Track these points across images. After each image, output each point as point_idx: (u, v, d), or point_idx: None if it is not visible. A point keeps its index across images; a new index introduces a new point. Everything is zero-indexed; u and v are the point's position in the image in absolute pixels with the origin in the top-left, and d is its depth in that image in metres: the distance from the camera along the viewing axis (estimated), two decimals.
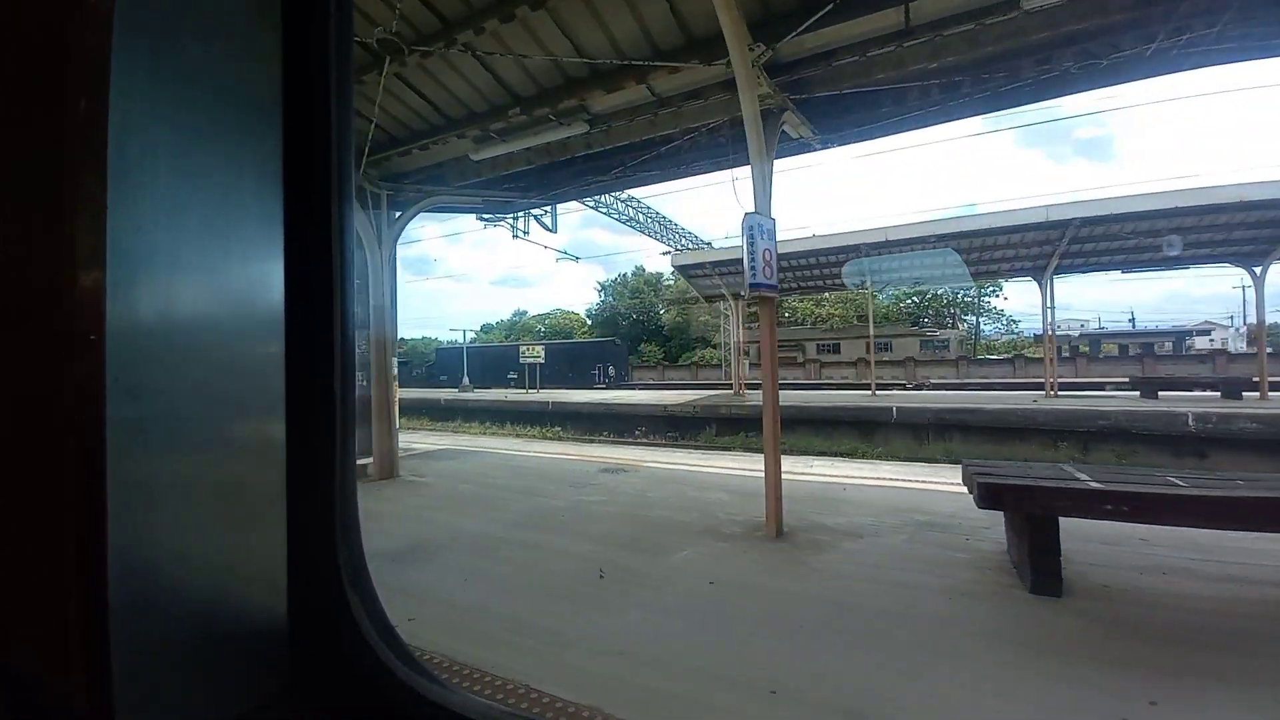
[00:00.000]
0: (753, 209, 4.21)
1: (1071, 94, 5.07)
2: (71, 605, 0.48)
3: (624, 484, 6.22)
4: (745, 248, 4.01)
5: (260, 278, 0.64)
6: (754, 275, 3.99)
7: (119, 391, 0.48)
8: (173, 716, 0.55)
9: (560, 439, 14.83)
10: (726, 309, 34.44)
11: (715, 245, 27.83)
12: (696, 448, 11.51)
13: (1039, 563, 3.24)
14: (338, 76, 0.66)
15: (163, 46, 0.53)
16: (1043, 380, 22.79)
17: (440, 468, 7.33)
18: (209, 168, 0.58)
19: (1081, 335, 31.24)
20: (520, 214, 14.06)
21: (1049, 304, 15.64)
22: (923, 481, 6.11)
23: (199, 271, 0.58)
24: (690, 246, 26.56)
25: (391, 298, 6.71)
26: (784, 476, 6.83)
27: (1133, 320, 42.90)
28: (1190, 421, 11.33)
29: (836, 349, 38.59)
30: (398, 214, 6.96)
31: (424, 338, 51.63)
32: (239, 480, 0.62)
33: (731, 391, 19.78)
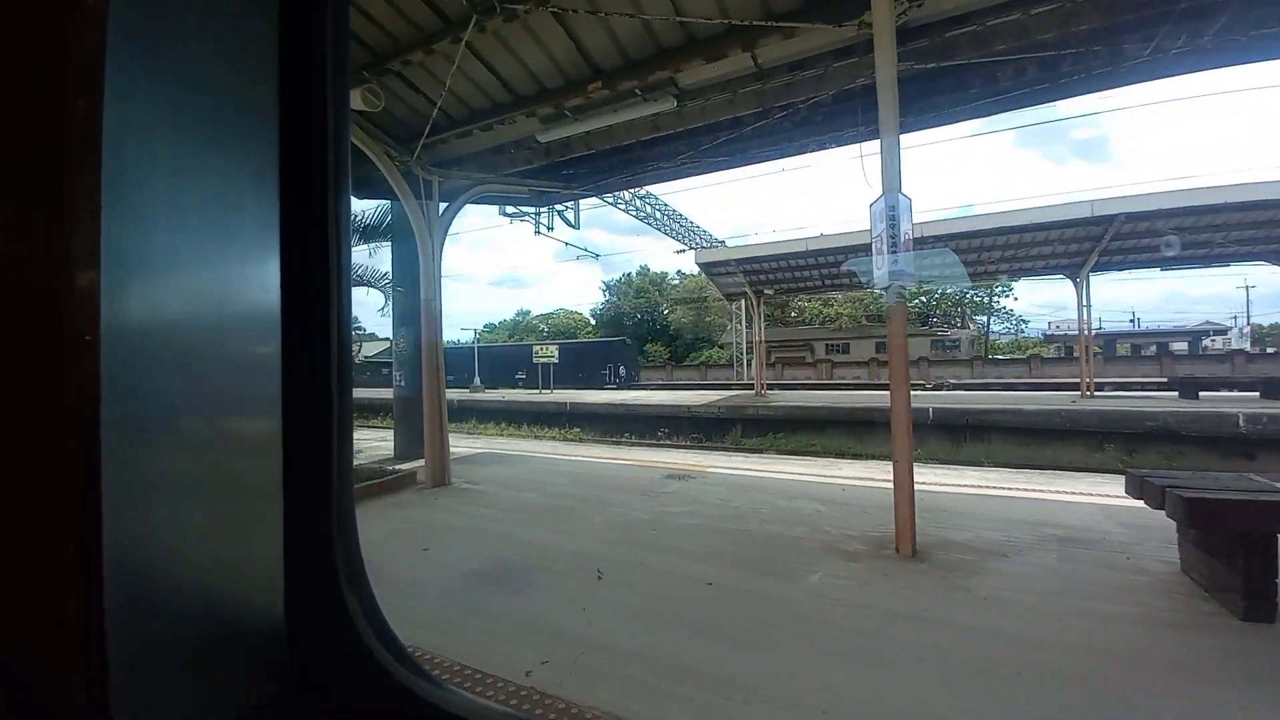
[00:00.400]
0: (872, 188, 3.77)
1: (1070, 97, 5.24)
2: (68, 605, 0.48)
3: (699, 492, 5.76)
4: (884, 230, 3.56)
5: (257, 278, 0.63)
6: (895, 262, 3.54)
7: (115, 392, 0.48)
8: (169, 717, 0.55)
9: (588, 441, 14.33)
10: (737, 308, 34.26)
11: (729, 244, 27.46)
12: (752, 451, 10.94)
13: (1255, 586, 2.83)
14: (335, 76, 0.66)
15: (159, 45, 0.53)
16: (1064, 380, 22.75)
17: (489, 474, 6.85)
18: (206, 167, 0.58)
19: (1096, 335, 30.97)
20: (564, 204, 13.63)
21: (1085, 302, 15.30)
22: (1012, 488, 5.70)
23: (195, 271, 0.58)
24: (704, 244, 26.15)
25: (438, 292, 6.23)
26: (854, 481, 6.46)
27: (1135, 320, 42.87)
28: (1240, 423, 11.01)
29: (846, 349, 38.26)
30: (443, 204, 6.48)
31: None
32: (236, 480, 0.62)
33: (752, 392, 19.38)
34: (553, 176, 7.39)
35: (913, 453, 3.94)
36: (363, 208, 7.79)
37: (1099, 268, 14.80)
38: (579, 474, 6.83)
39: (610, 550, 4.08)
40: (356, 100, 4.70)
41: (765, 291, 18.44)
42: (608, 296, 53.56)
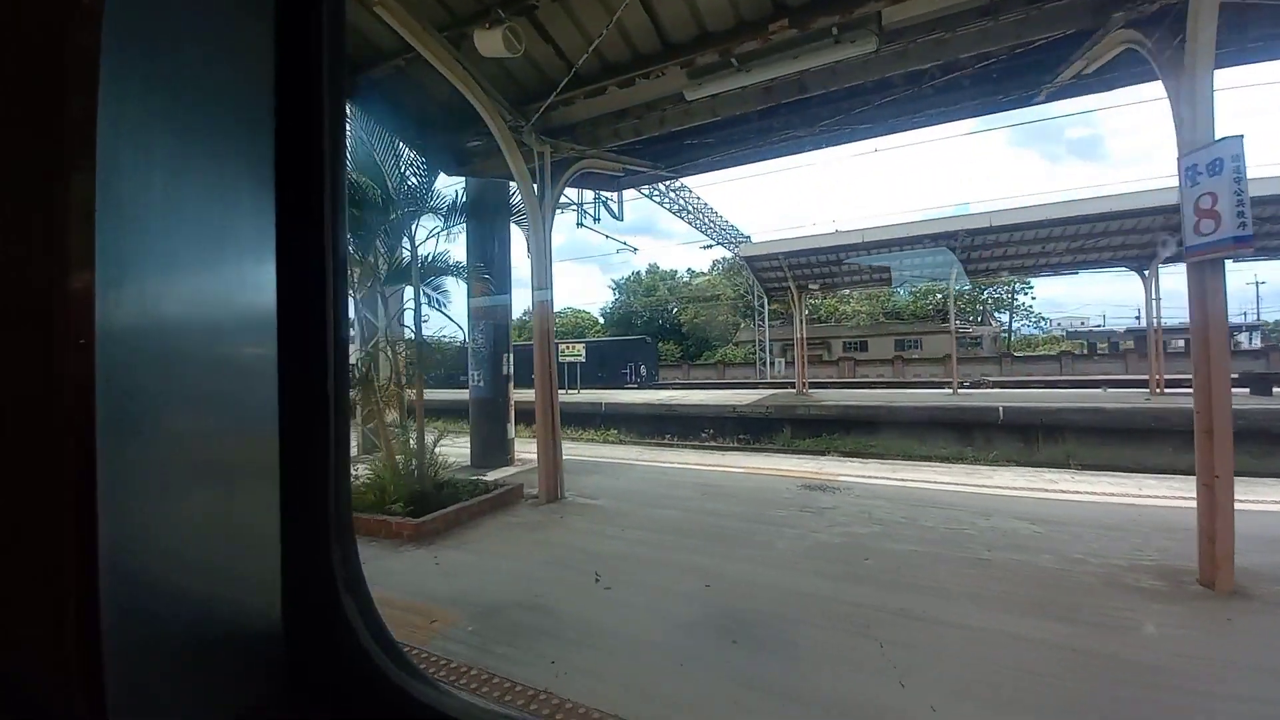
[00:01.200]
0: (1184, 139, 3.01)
1: (1064, 99, 5.09)
2: (65, 607, 0.48)
3: (863, 507, 5.00)
4: (1227, 188, 2.80)
5: (253, 279, 0.63)
6: (1243, 226, 2.79)
7: (111, 394, 0.48)
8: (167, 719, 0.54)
9: (643, 444, 13.46)
10: (760, 306, 33.52)
11: (754, 240, 26.70)
12: (872, 457, 9.94)
13: None
14: (332, 76, 0.66)
15: (155, 46, 0.52)
16: (1114, 377, 22.16)
17: (596, 485, 6.04)
18: (202, 168, 0.58)
19: (1127, 332, 30.49)
20: (610, 194, 12.78)
21: (1154, 295, 14.69)
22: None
23: (191, 273, 0.57)
24: (731, 241, 25.37)
25: (550, 280, 5.42)
26: (1020, 492, 5.74)
27: (1139, 317, 42.47)
28: None
29: (864, 346, 37.63)
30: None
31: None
32: (232, 482, 0.62)
33: (793, 391, 18.67)
34: (655, 153, 6.60)
35: (1232, 464, 3.18)
36: (446, 185, 6.93)
37: (1174, 259, 14.12)
38: (699, 484, 6.05)
39: (842, 589, 3.30)
40: (495, 43, 3.89)
41: (810, 286, 17.74)
42: (618, 295, 52.71)
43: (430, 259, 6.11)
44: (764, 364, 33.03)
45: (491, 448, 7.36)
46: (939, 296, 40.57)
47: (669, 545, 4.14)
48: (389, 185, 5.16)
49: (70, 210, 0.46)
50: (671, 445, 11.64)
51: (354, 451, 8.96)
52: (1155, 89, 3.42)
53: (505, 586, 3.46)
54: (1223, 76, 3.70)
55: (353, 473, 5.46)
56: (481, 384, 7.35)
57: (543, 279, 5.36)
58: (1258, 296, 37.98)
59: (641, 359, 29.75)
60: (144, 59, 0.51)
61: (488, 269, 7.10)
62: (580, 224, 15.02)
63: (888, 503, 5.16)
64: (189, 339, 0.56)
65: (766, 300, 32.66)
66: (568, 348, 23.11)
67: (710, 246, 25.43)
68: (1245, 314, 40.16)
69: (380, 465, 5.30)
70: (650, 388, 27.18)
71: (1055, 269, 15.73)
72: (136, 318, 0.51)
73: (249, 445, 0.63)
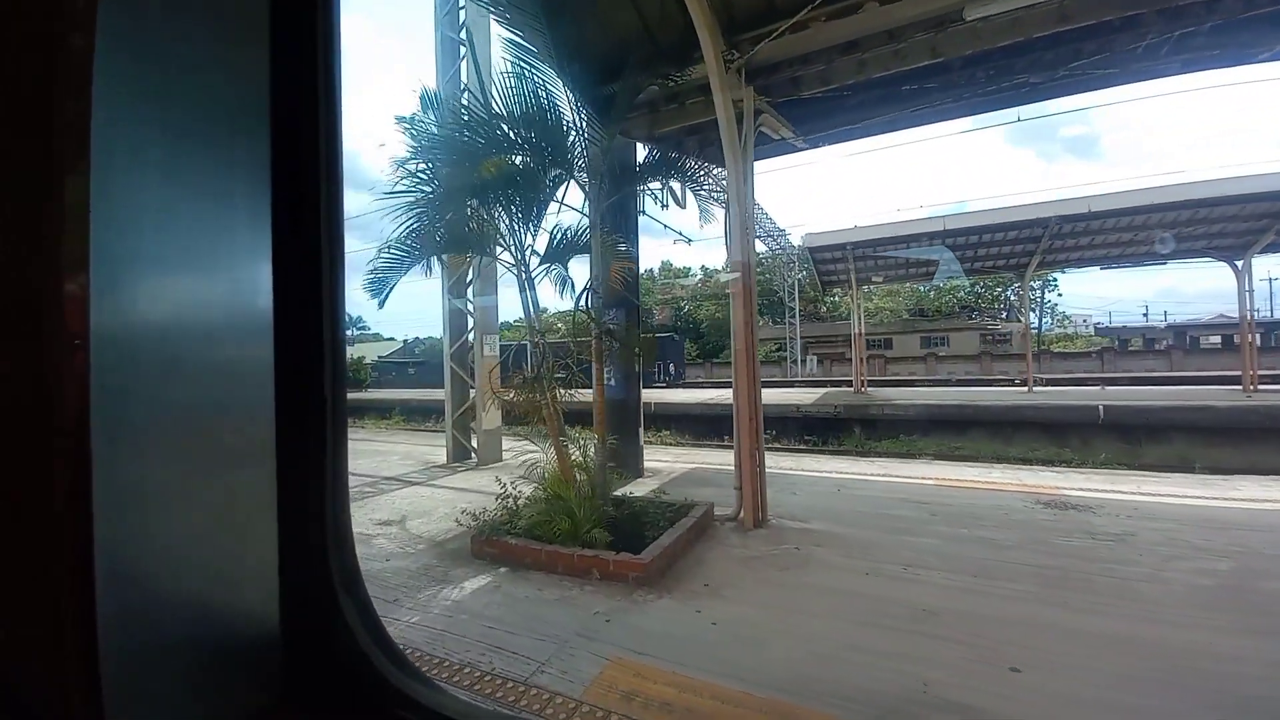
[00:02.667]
0: None
1: (1062, 96, 5.30)
2: (58, 613, 0.47)
3: (1163, 533, 4.04)
4: None
5: (249, 280, 0.62)
6: None
7: (105, 396, 0.47)
8: None
9: (706, 445, 12.51)
10: (790, 301, 32.59)
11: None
12: (1025, 462, 8.83)
13: None
14: (326, 76, 0.65)
15: (148, 47, 0.52)
16: (1169, 375, 21.34)
17: (775, 503, 5.03)
18: (196, 169, 0.57)
19: (1168, 328, 29.84)
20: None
21: (1248, 287, 13.90)
22: None
23: (186, 274, 0.57)
24: (768, 234, 24.49)
25: (752, 253, 4.43)
26: (1234, 503, 4.88)
27: (1146, 314, 42.07)
28: None
29: (889, 344, 36.84)
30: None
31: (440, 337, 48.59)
32: (229, 485, 0.61)
33: (850, 389, 17.78)
34: (846, 107, 5.63)
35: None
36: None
37: (1271, 248, 13.35)
38: (902, 500, 5.06)
39: None
40: None
41: (874, 279, 16.87)
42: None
43: (576, 233, 5.13)
44: (794, 362, 32.15)
45: (626, 457, 6.34)
46: (962, 294, 39.94)
47: (990, 592, 3.16)
48: (562, 138, 4.15)
49: (65, 212, 0.46)
50: (777, 450, 10.59)
51: (442, 459, 7.90)
52: None
53: (856, 663, 2.47)
54: None
55: (509, 490, 4.46)
56: (612, 382, 6.32)
57: (744, 250, 4.36)
58: (1270, 294, 37.55)
59: (670, 356, 28.74)
60: (138, 61, 0.50)
61: (619, 247, 6.08)
62: (664, 205, 13.92)
63: (1174, 524, 4.22)
64: (185, 341, 0.56)
65: (795, 295, 31.92)
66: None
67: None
68: (1257, 310, 39.50)
69: (551, 483, 4.28)
70: (679, 385, 26.21)
71: (1139, 260, 14.92)
72: (131, 320, 0.51)
73: (246, 447, 0.62)
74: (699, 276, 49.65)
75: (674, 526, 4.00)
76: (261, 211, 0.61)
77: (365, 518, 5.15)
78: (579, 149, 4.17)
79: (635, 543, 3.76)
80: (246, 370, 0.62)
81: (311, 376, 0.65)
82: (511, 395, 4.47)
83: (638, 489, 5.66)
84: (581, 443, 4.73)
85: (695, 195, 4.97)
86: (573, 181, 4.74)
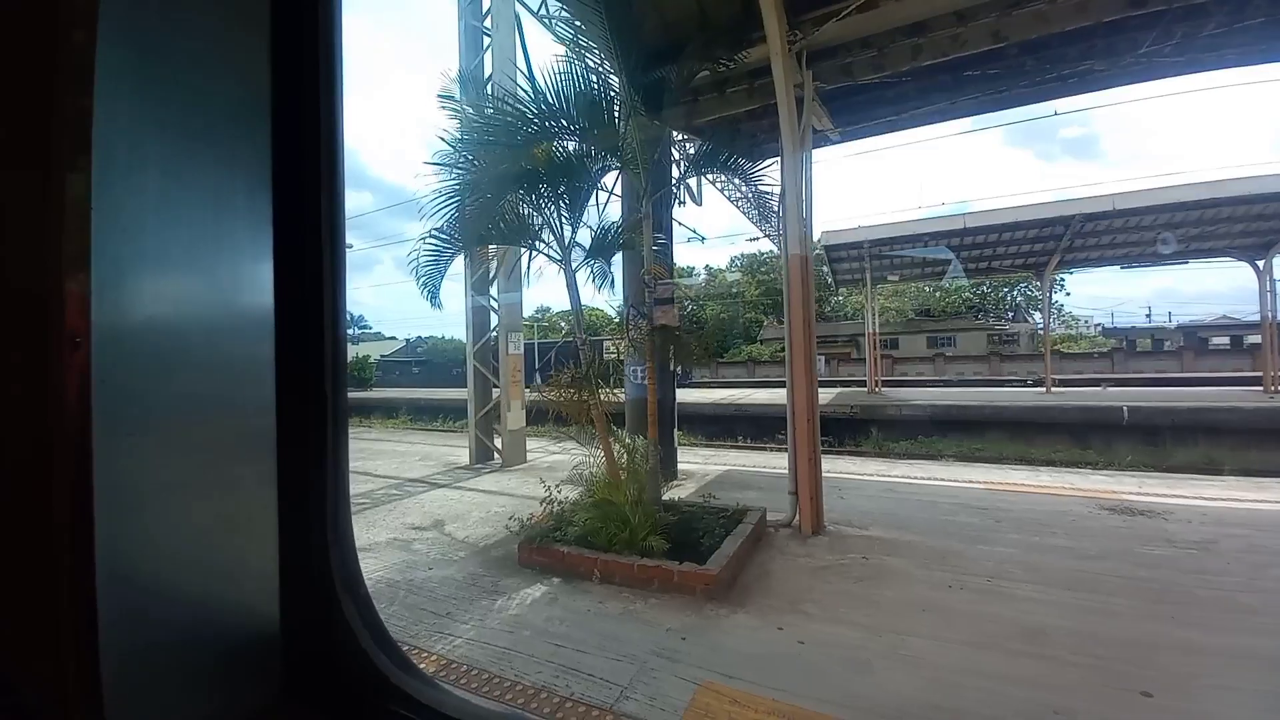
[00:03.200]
0: None
1: (1068, 96, 5.41)
2: (59, 610, 0.47)
3: (1248, 542, 3.83)
4: None
5: (250, 278, 0.62)
6: None
7: (106, 394, 0.47)
8: None
9: (720, 446, 12.29)
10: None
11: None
12: (1109, 466, 8.53)
13: None
14: (327, 74, 0.65)
15: (149, 44, 0.52)
16: (1182, 376, 21.14)
17: (826, 509, 4.82)
18: (198, 167, 0.57)
19: (1178, 328, 29.66)
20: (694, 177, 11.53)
21: (1269, 289, 13.74)
22: None
23: (187, 272, 0.57)
24: (778, 233, 24.23)
25: (810, 243, 4.22)
26: (1246, 506, 4.67)
27: (1149, 315, 41.90)
28: None
29: (895, 344, 36.65)
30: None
31: (444, 336, 48.35)
32: (229, 483, 0.61)
33: (864, 390, 17.58)
34: (887, 99, 5.42)
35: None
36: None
37: None
38: (959, 505, 4.84)
39: None
40: None
41: (890, 278, 16.67)
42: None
43: (619, 227, 4.92)
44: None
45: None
46: (967, 294, 39.74)
47: (1094, 608, 2.94)
48: (612, 125, 3.93)
49: (66, 210, 0.46)
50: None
51: (464, 460, 7.67)
52: None
53: (975, 690, 2.26)
54: None
55: (557, 496, 4.24)
56: (648, 381, 6.10)
57: (802, 243, 4.14)
58: (1276, 293, 37.19)
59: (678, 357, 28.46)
60: (140, 57, 0.50)
61: (658, 240, 5.86)
62: (681, 203, 13.70)
63: (1250, 530, 4.03)
64: (186, 338, 0.56)
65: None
66: (613, 345, 21.90)
67: (755, 239, 24.31)
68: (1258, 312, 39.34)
69: (599, 487, 4.06)
70: (687, 385, 25.99)
71: (1160, 259, 14.74)
72: (133, 317, 0.51)
73: (246, 445, 0.62)
74: (703, 276, 49.43)
75: (733, 534, 3.78)
76: (262, 209, 0.61)
77: (397, 521, 4.92)
78: (630, 136, 3.95)
79: (690, 551, 3.55)
80: (247, 367, 0.62)
81: (312, 374, 0.65)
82: (557, 395, 4.24)
83: (677, 492, 5.44)
84: (627, 443, 4.51)
85: (747, 188, 4.73)
86: (612, 173, 4.55)
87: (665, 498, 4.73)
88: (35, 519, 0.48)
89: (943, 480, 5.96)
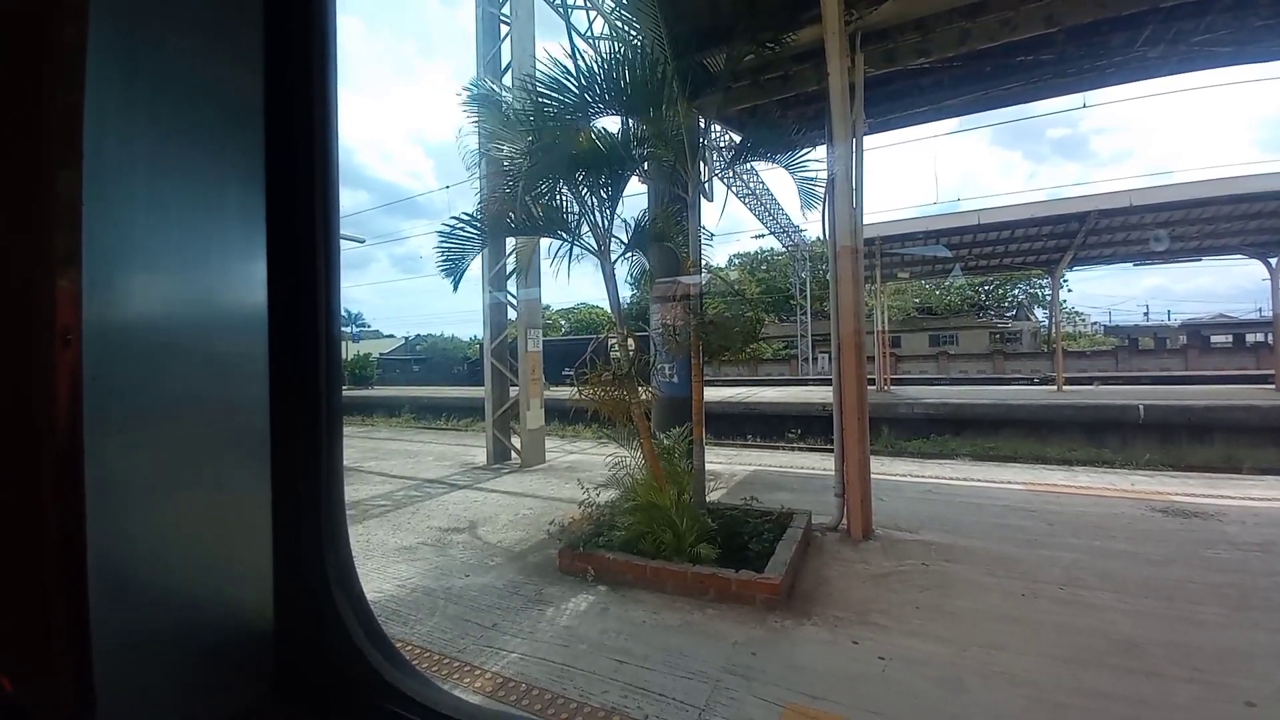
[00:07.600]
0: None
1: (1107, 86, 5.35)
2: (50, 607, 0.47)
3: None
4: None
5: (243, 276, 0.61)
6: None
7: (98, 392, 0.46)
8: None
9: (730, 444, 12.12)
10: (801, 297, 32.16)
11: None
12: (1147, 466, 8.27)
13: None
14: (321, 71, 0.64)
15: (141, 40, 0.51)
16: (1197, 373, 21.05)
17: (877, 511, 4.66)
18: (190, 164, 0.56)
19: (1182, 326, 29.66)
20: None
21: None
22: None
23: (179, 270, 0.56)
24: (784, 230, 24.14)
25: (860, 235, 4.04)
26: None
27: (1147, 314, 42.01)
28: None
29: (897, 342, 36.56)
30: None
31: (443, 334, 48.03)
32: (223, 481, 0.61)
33: (873, 388, 17.45)
34: (921, 87, 5.25)
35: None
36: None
37: None
38: (1006, 508, 4.69)
39: None
40: None
41: (900, 275, 16.53)
42: (634, 291, 51.25)
43: (654, 219, 4.75)
44: (805, 360, 31.83)
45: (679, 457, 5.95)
46: (969, 292, 39.67)
47: (1179, 616, 2.78)
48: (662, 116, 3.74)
49: (57, 206, 0.45)
50: (804, 448, 10.21)
51: (480, 459, 7.48)
52: None
53: (1084, 711, 2.09)
54: None
55: (593, 500, 4.07)
56: (675, 379, 5.93)
57: (854, 235, 3.96)
58: (1274, 290, 37.24)
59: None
60: (131, 54, 0.49)
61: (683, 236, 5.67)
62: (710, 199, 13.52)
63: None
64: (178, 336, 0.55)
65: (807, 292, 31.59)
66: (619, 344, 21.67)
67: (762, 236, 24.15)
68: (1260, 309, 39.59)
69: (642, 490, 3.88)
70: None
71: (1171, 257, 14.64)
72: (124, 314, 0.50)
73: (240, 442, 0.62)
74: (706, 276, 49.12)
75: (784, 539, 3.61)
76: (256, 206, 0.61)
77: (423, 525, 4.73)
78: (674, 120, 3.76)
79: (739, 557, 3.38)
80: (241, 365, 0.61)
81: (306, 372, 0.64)
82: (595, 393, 4.06)
83: (712, 495, 5.27)
84: (666, 444, 4.34)
85: (794, 179, 4.56)
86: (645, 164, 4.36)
87: (729, 503, 4.57)
88: (25, 517, 0.48)
89: (979, 481, 5.81)
